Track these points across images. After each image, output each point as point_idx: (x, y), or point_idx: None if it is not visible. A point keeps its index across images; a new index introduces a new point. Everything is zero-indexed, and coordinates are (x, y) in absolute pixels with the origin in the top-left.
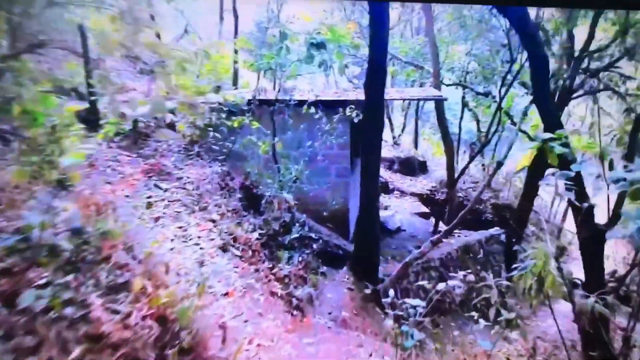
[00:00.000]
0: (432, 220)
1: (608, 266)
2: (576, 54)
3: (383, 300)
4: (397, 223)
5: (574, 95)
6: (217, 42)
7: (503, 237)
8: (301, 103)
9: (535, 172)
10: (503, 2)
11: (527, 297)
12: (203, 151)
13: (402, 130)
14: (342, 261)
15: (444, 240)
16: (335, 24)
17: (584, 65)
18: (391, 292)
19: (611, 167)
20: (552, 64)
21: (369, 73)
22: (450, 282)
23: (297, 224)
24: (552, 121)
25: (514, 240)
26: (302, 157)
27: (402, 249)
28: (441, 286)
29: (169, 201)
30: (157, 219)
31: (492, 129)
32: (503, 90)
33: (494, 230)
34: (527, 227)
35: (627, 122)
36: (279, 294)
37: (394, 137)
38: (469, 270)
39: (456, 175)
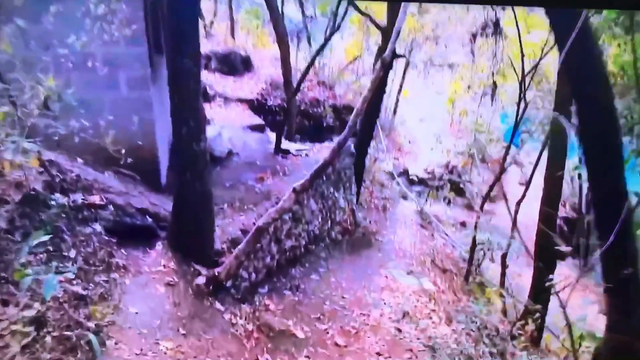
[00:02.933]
0: (269, 133)
1: (442, 158)
2: None
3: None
4: (226, 145)
5: None
6: None
7: (352, 147)
8: None
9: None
10: (504, 2)
11: None
12: None
13: (215, 16)
14: (153, 234)
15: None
16: None
17: None
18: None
19: None
20: None
21: None
22: None
23: (57, 194)
24: None
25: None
26: (58, 63)
27: (239, 185)
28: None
29: None
30: None
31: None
32: None
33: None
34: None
35: None
36: None
37: (205, 26)
38: None
39: (295, 76)
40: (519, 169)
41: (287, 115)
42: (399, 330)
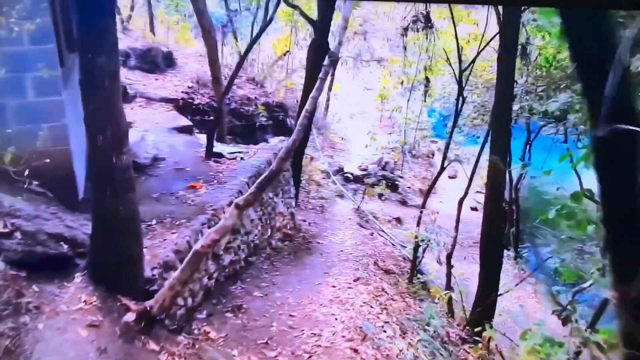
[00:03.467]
0: (198, 135)
1: (374, 154)
2: None
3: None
4: (151, 150)
5: None
6: None
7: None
8: None
9: (316, 57)
10: (504, 2)
11: None
12: None
13: (132, 11)
14: (70, 264)
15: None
16: None
17: None
18: None
19: None
20: None
21: None
22: None
23: None
24: None
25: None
26: None
27: (168, 197)
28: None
29: None
30: None
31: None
32: None
33: (280, 141)
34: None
35: None
36: None
37: (122, 21)
38: None
39: (223, 72)
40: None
41: (218, 115)
42: (355, 351)
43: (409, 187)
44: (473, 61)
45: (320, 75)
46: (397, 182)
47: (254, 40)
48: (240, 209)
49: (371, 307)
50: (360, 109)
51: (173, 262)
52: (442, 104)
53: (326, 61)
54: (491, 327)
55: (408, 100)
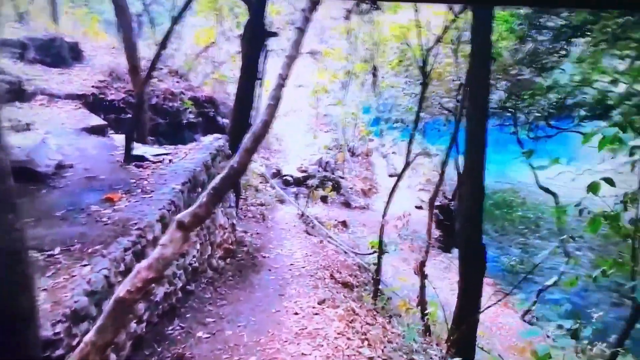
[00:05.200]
0: (114, 136)
1: (313, 154)
2: None
3: None
4: (54, 155)
5: None
6: None
7: (227, 148)
8: None
9: (252, 40)
10: (505, 3)
11: None
12: None
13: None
14: None
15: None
16: None
17: None
18: None
19: None
20: None
21: None
22: None
23: None
24: None
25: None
26: None
27: (78, 214)
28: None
29: None
30: None
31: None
32: None
33: (215, 139)
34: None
35: None
36: None
37: (19, 13)
38: None
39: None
40: (385, 161)
41: (138, 110)
42: None
43: (351, 188)
44: (439, 39)
45: (299, 24)
46: (340, 183)
47: (183, 8)
48: (187, 229)
49: (348, 338)
50: (294, 107)
51: (86, 310)
52: (377, 100)
53: (306, 4)
54: (489, 351)
55: (345, 96)
